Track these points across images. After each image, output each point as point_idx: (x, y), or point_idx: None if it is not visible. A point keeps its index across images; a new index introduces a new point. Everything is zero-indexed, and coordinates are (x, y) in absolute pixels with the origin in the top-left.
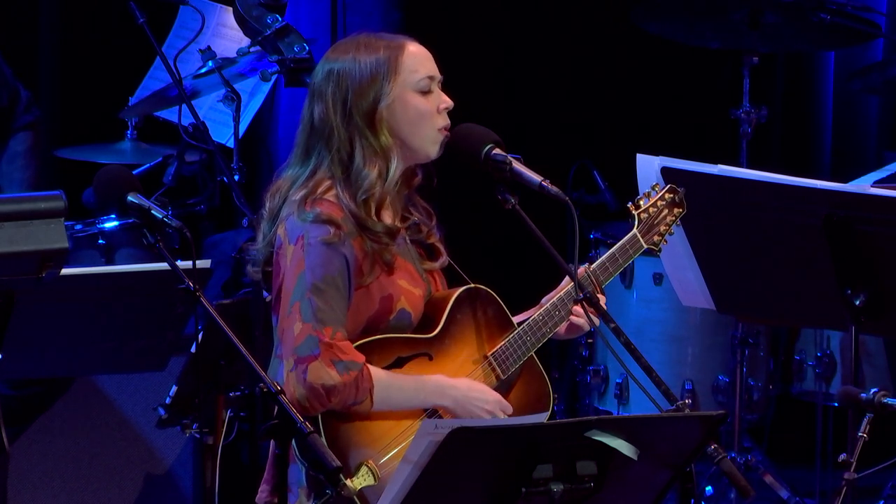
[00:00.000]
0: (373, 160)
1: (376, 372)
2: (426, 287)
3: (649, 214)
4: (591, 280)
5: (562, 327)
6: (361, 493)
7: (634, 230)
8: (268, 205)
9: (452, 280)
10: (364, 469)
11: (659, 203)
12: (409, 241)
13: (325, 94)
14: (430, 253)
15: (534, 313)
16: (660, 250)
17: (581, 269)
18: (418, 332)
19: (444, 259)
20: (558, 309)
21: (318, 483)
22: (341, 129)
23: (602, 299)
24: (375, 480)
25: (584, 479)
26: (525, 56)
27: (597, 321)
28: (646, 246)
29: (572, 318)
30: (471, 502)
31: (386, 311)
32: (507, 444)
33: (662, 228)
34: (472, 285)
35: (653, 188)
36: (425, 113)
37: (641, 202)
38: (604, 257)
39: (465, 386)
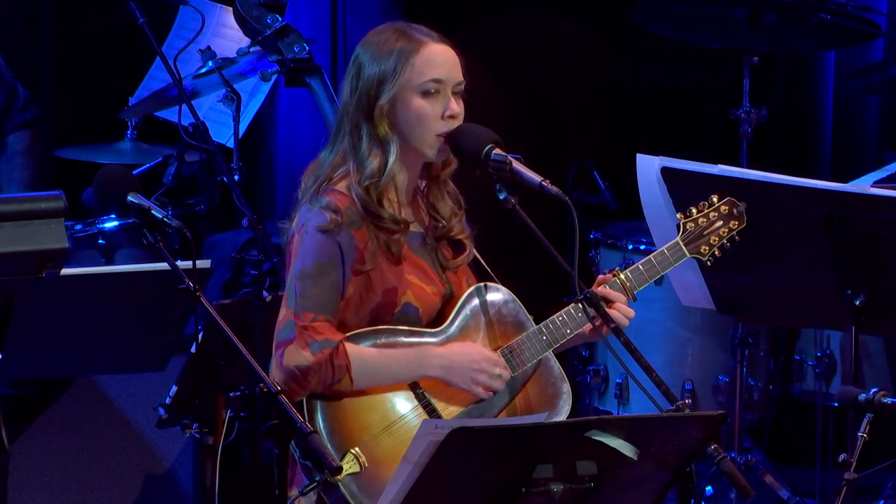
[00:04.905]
0: (375, 150)
1: (353, 349)
2: (445, 286)
3: (697, 224)
4: (621, 284)
5: (586, 328)
6: (345, 481)
7: (677, 238)
8: (301, 187)
9: (483, 279)
10: (349, 456)
11: (711, 214)
12: (430, 242)
13: (349, 77)
14: (457, 249)
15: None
16: (708, 260)
17: (609, 274)
18: (428, 327)
19: (469, 253)
20: (580, 311)
21: (307, 470)
22: (353, 114)
23: (624, 300)
24: (361, 469)
25: (584, 479)
26: (525, 56)
27: (625, 321)
28: (689, 255)
29: (611, 312)
30: (471, 502)
31: (390, 304)
32: (507, 444)
33: (713, 239)
34: (488, 283)
35: (710, 199)
36: (424, 116)
37: (694, 211)
38: (640, 262)
39: (452, 352)
